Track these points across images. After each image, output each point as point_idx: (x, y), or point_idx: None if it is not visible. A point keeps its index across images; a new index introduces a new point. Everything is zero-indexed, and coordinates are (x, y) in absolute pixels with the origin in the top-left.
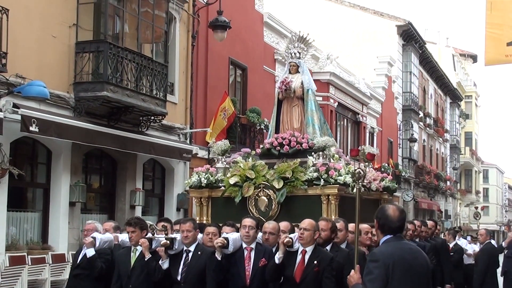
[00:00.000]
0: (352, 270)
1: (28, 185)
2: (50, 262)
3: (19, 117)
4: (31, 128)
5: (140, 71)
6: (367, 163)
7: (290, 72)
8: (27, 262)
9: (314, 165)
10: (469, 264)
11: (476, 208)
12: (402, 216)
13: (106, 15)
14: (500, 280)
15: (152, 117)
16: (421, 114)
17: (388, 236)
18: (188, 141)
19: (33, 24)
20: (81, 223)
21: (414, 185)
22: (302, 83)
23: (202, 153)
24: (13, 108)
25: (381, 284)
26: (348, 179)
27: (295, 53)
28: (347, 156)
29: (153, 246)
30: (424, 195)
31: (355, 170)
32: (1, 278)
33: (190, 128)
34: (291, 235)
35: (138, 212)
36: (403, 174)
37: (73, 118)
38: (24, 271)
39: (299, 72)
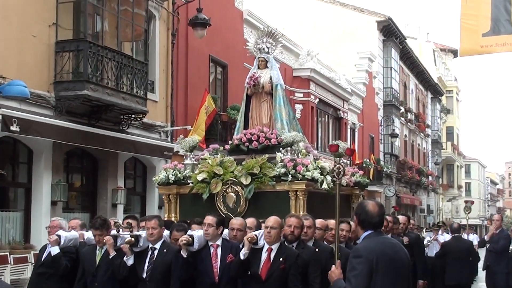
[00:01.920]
0: (333, 266)
1: (10, 184)
2: (32, 262)
3: None
4: (12, 128)
5: (120, 69)
6: (339, 158)
7: (259, 68)
8: (9, 262)
9: (282, 160)
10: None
11: (466, 202)
12: (382, 211)
13: (85, 14)
14: (482, 274)
15: (133, 116)
16: (402, 110)
17: (369, 232)
18: (169, 139)
19: (12, 23)
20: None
21: (396, 181)
22: (270, 78)
23: (183, 151)
24: None
25: (366, 280)
26: (316, 174)
27: (263, 48)
28: (316, 151)
29: (118, 244)
30: (406, 191)
31: (335, 166)
32: None
33: (171, 126)
34: (256, 232)
35: (120, 210)
36: (384, 170)
37: (54, 117)
38: (6, 270)
39: (268, 67)
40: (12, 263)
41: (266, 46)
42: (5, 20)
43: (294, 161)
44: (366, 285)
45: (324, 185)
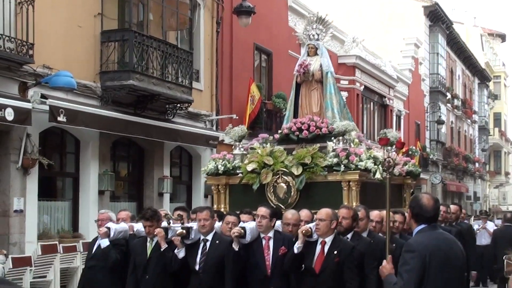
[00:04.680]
0: (384, 261)
1: (58, 174)
2: (81, 250)
3: (47, 108)
4: (59, 118)
5: (165, 59)
6: (386, 147)
7: (308, 55)
8: (58, 251)
9: (334, 150)
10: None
11: None
12: (437, 205)
13: (130, 4)
14: None
15: (178, 105)
16: (449, 96)
17: (423, 226)
18: (214, 128)
19: (59, 14)
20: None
21: (442, 168)
22: (321, 66)
23: (228, 140)
24: (41, 99)
25: (418, 275)
26: (370, 164)
27: (313, 35)
28: (369, 141)
29: (169, 236)
30: (452, 178)
31: (385, 159)
32: (34, 266)
33: (216, 115)
34: (310, 225)
35: (166, 199)
36: (431, 157)
37: (100, 107)
38: (56, 259)
39: (317, 55)
40: (62, 252)
41: (316, 33)
42: (52, 11)
43: (347, 151)
44: (418, 280)
45: (378, 175)
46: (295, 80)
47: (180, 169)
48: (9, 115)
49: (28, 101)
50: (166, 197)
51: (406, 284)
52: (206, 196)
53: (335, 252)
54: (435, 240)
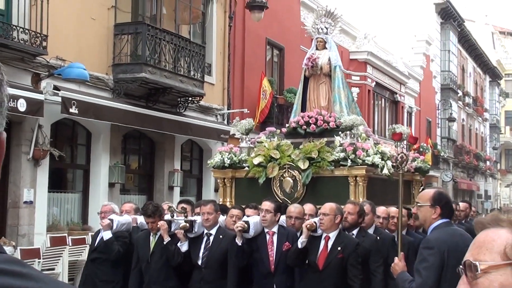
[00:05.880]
0: (396, 258)
1: (68, 166)
2: (90, 243)
3: (59, 99)
4: (71, 110)
5: (178, 52)
6: (397, 143)
7: (317, 48)
8: (67, 243)
9: (341, 145)
10: None
11: None
12: None
13: None
14: None
15: (190, 98)
16: (460, 93)
17: (441, 221)
18: (225, 122)
19: (72, 6)
20: (121, 204)
21: (453, 165)
22: (329, 60)
23: (239, 134)
24: (54, 90)
25: (437, 272)
26: (377, 159)
27: (322, 29)
28: (376, 136)
29: (173, 229)
30: (463, 176)
31: (398, 154)
32: (43, 258)
33: (228, 109)
34: (315, 219)
35: (176, 193)
36: (442, 154)
37: (112, 99)
38: (65, 251)
39: (326, 48)
40: (71, 245)
41: (325, 27)
42: (65, 3)
43: (354, 146)
44: (437, 278)
45: (385, 171)
46: (303, 74)
47: (191, 163)
48: (22, 106)
49: (41, 93)
50: (177, 190)
51: (425, 281)
52: (216, 190)
53: (339, 248)
54: (451, 236)
